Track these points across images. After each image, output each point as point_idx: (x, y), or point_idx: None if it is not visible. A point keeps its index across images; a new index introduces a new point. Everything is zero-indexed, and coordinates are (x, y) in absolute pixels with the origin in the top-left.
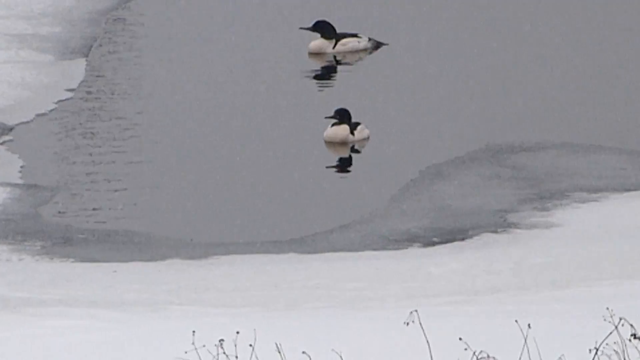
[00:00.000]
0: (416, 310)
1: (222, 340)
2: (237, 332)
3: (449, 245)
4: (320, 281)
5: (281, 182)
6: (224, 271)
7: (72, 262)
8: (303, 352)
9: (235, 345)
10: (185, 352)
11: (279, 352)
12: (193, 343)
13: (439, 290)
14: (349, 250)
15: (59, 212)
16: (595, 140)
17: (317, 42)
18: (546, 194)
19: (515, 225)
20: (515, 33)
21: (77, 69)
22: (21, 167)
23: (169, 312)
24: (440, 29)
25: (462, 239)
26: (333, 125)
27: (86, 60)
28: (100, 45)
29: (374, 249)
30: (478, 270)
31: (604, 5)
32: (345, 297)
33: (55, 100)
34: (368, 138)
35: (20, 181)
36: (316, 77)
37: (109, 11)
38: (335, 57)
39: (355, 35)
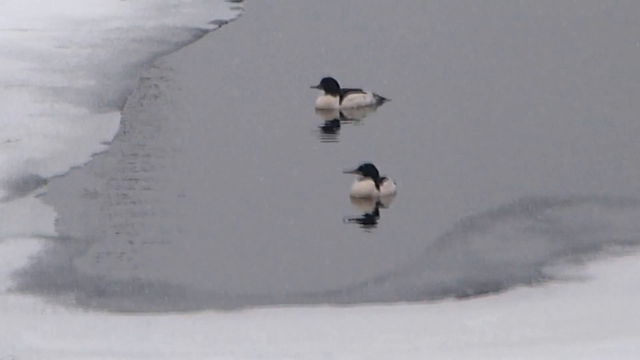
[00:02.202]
0: None
1: None
2: None
3: (483, 297)
4: (354, 333)
5: (313, 234)
6: (258, 323)
7: (107, 313)
8: None
9: None
10: None
11: None
12: None
13: (474, 342)
14: (383, 302)
15: (94, 264)
16: (630, 193)
17: (324, 98)
18: (581, 246)
19: (549, 278)
20: (531, 76)
21: (112, 121)
22: (56, 219)
23: None
24: (443, 81)
25: (497, 292)
26: (359, 180)
27: (121, 113)
28: (135, 98)
29: (408, 301)
30: (512, 322)
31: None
32: (380, 349)
33: (90, 153)
34: (395, 193)
35: (54, 233)
36: (327, 132)
37: (144, 64)
38: (341, 112)
39: (359, 91)
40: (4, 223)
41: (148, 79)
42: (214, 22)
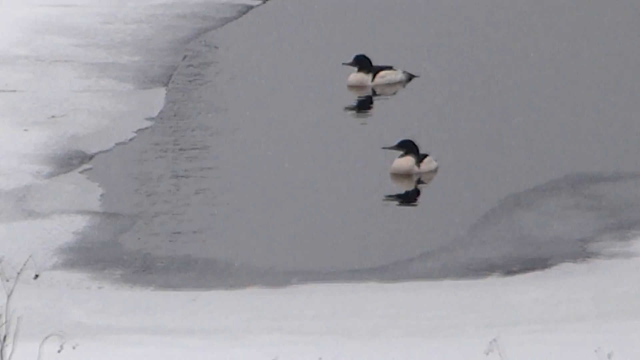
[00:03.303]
0: (496, 340)
1: None
2: None
3: (529, 274)
4: (400, 309)
5: (357, 211)
6: (304, 299)
7: (152, 289)
8: None
9: None
10: None
11: None
12: None
13: (519, 319)
14: (429, 278)
15: (139, 240)
16: None
17: (357, 75)
18: (626, 223)
19: (595, 254)
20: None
21: (157, 97)
22: (101, 195)
23: (250, 340)
24: (470, 59)
25: (542, 268)
26: (400, 157)
27: (165, 89)
28: (180, 74)
29: (454, 278)
30: (558, 299)
31: None
32: (425, 325)
33: (135, 129)
34: (436, 170)
35: (100, 209)
36: (361, 109)
37: (189, 40)
38: (373, 90)
39: (390, 68)
40: (49, 199)
41: (192, 55)
42: None
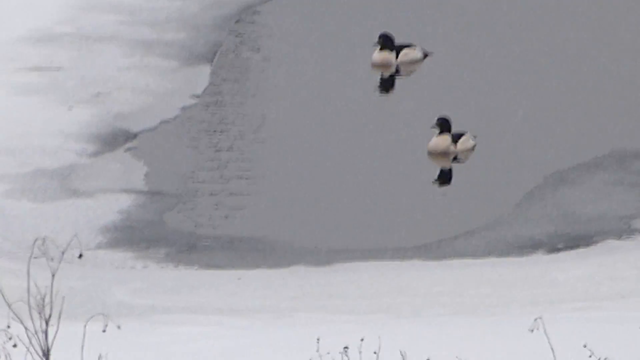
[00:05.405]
0: (540, 317)
1: (347, 347)
2: (362, 339)
3: (573, 251)
4: (444, 288)
5: (398, 190)
6: (348, 278)
7: (197, 269)
8: (427, 359)
9: (360, 352)
10: (310, 359)
11: (403, 359)
12: (317, 350)
13: (564, 296)
14: (473, 256)
15: (183, 219)
16: None
17: (382, 54)
18: None
19: (639, 231)
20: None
21: (202, 75)
22: (145, 174)
23: (294, 319)
24: (486, 34)
25: (587, 245)
26: (437, 136)
27: (210, 66)
28: (225, 51)
29: (498, 256)
30: (602, 276)
31: None
32: (469, 303)
33: (180, 107)
34: (473, 149)
35: (144, 188)
36: (390, 89)
37: (234, 17)
38: (397, 68)
39: (410, 46)
40: (93, 178)
41: (237, 31)
42: None
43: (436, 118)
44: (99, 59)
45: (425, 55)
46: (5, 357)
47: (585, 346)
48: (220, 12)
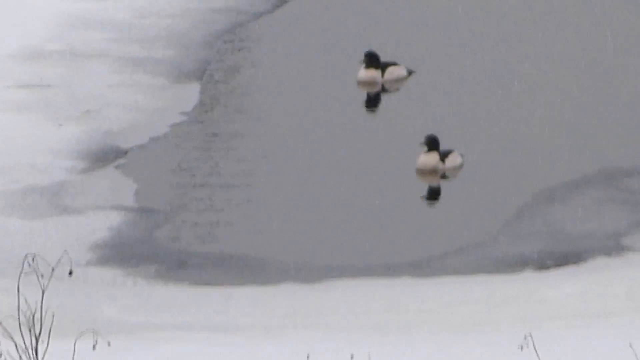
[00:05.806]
0: (530, 335)
1: None
2: (352, 356)
3: (563, 269)
4: (434, 305)
5: (387, 208)
6: (338, 295)
7: (187, 286)
8: None
9: None
10: None
11: None
12: None
13: (553, 314)
14: (463, 273)
15: (173, 236)
16: None
17: (367, 72)
18: None
19: (629, 249)
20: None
21: (191, 92)
22: (135, 190)
23: (284, 336)
24: (466, 49)
25: (576, 263)
26: (424, 153)
27: (200, 84)
28: (214, 69)
29: (488, 273)
30: (592, 294)
31: None
32: (459, 321)
33: (169, 124)
34: (461, 166)
35: (134, 205)
36: (375, 107)
37: (223, 35)
38: (383, 86)
39: (396, 64)
40: (83, 195)
41: (227, 49)
42: None
43: (424, 136)
44: (89, 76)
45: (410, 73)
46: None
47: None
48: (209, 29)
